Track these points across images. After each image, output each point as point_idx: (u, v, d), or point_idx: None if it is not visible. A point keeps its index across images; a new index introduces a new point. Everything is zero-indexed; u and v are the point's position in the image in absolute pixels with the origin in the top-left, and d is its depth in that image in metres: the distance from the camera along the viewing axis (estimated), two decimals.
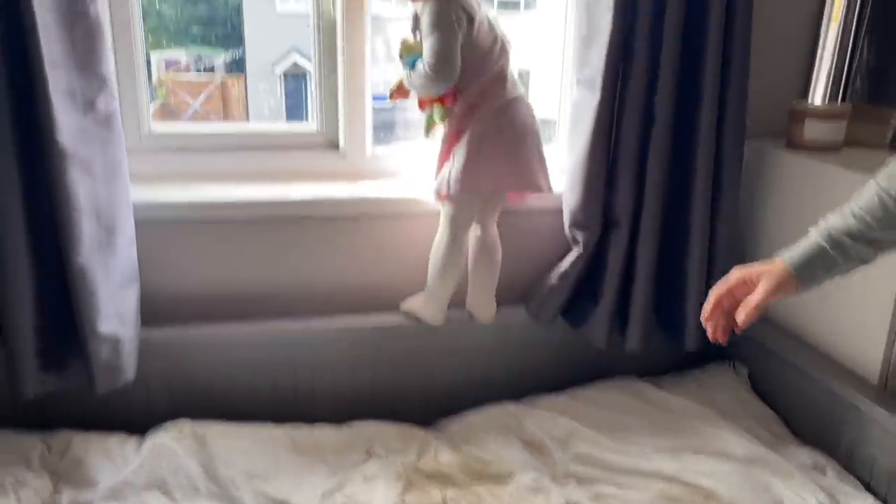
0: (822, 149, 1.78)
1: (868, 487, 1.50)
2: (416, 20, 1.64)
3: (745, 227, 1.93)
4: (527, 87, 1.78)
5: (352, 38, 1.79)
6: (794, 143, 1.82)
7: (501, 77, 1.67)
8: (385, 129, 2.20)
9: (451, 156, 1.66)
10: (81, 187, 1.43)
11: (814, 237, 1.17)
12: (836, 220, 1.15)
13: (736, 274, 1.21)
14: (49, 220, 1.44)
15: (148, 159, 1.77)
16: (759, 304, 1.15)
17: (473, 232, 1.77)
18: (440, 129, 1.70)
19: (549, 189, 1.71)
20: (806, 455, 1.60)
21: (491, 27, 1.63)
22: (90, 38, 1.42)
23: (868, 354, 1.58)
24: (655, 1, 1.65)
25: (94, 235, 1.46)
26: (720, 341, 1.24)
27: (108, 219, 1.50)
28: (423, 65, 1.57)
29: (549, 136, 2.02)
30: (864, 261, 1.15)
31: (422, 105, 1.70)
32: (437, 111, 1.65)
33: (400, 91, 1.71)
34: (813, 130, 1.78)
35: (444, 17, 1.55)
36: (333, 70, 1.84)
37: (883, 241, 1.13)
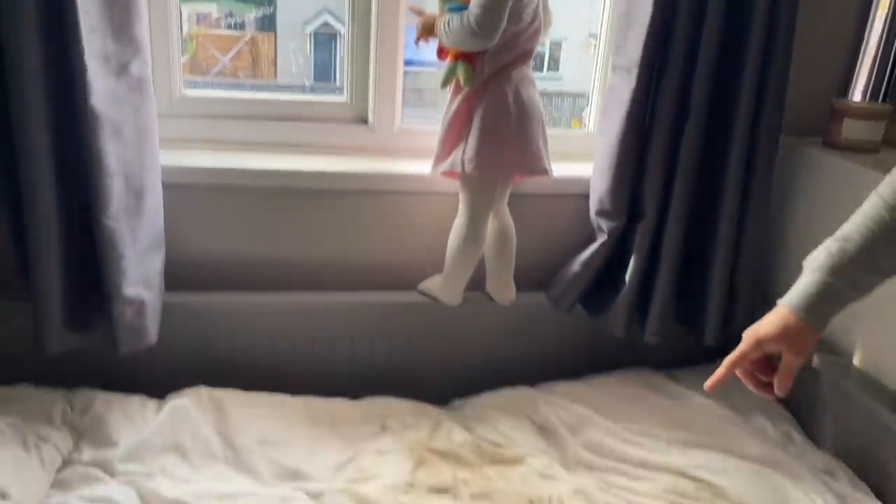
0: (860, 149, 1.74)
1: (880, 495, 1.50)
2: None
3: (775, 224, 1.90)
4: (559, 58, 1.75)
5: (386, 9, 1.77)
6: (831, 142, 1.78)
7: (525, 57, 1.64)
8: (413, 93, 2.14)
9: (462, 135, 1.63)
10: (112, 150, 1.44)
11: (820, 277, 1.08)
12: (840, 249, 1.08)
13: (751, 341, 1.12)
14: (78, 182, 1.45)
15: (177, 124, 1.77)
16: (791, 376, 1.09)
17: (490, 219, 1.76)
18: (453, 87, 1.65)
19: (552, 172, 1.70)
20: (819, 458, 1.60)
21: (536, 6, 1.60)
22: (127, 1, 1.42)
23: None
24: None
25: (122, 198, 1.47)
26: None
27: (137, 183, 1.51)
28: (466, 16, 1.50)
29: (580, 108, 2.00)
30: (879, 284, 1.09)
31: (441, 54, 1.64)
32: (462, 71, 1.58)
33: (426, 32, 1.63)
34: (851, 129, 1.74)
35: None
36: (366, 40, 1.82)
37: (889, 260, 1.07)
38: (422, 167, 1.79)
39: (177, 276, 1.71)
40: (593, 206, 1.82)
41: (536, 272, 1.88)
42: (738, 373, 1.15)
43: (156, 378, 1.66)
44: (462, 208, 1.71)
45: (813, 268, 1.10)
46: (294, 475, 1.47)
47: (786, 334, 1.09)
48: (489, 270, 1.82)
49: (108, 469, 1.38)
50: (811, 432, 1.71)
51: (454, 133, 1.65)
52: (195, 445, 1.48)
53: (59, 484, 1.35)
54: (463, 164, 1.62)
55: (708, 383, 1.15)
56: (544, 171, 1.69)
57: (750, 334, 1.14)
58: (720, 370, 1.14)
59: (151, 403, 1.58)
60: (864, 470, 1.55)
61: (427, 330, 1.81)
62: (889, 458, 1.49)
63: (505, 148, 1.62)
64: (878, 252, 1.06)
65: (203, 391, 1.63)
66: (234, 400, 1.63)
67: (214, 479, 1.43)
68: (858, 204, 1.13)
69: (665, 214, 1.77)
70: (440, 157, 1.68)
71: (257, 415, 1.59)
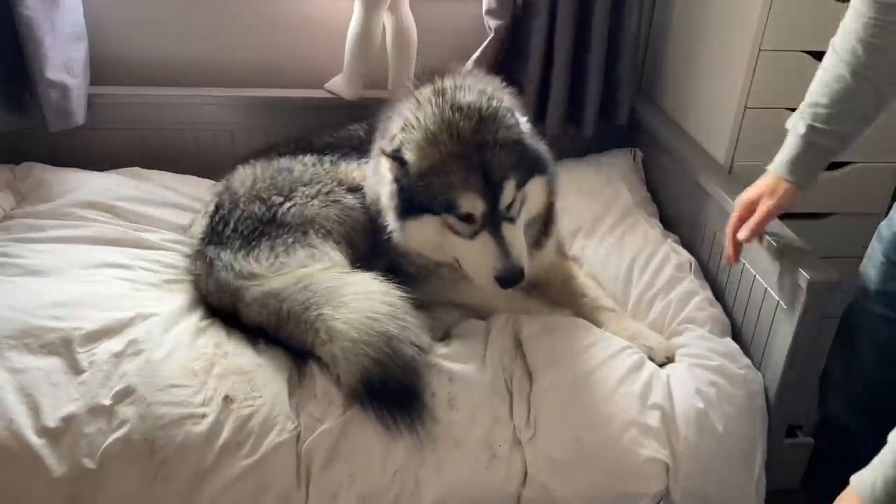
0: None
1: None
2: None
3: (658, 22, 2.02)
4: None
5: None
6: None
7: None
8: None
9: None
10: None
11: (798, 140, 1.26)
12: (812, 113, 1.24)
13: (740, 205, 1.35)
14: None
15: None
16: (757, 225, 1.31)
17: (390, 19, 1.91)
18: None
19: None
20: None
21: None
22: None
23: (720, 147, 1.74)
24: None
25: None
26: (734, 261, 1.39)
27: None
28: None
29: None
30: (859, 132, 1.25)
31: None
32: None
33: None
34: None
35: None
36: None
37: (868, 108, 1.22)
38: None
39: (113, 71, 1.95)
40: (483, 6, 1.95)
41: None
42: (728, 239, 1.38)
43: (93, 162, 1.92)
44: (356, 4, 1.87)
45: (792, 133, 1.28)
46: None
47: (771, 191, 1.30)
48: (391, 68, 1.99)
49: (41, 216, 1.66)
50: (669, 212, 1.91)
51: None
52: (122, 204, 1.74)
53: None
54: None
55: (726, 260, 1.39)
56: None
57: (739, 199, 1.36)
58: (727, 243, 1.37)
59: (83, 174, 1.84)
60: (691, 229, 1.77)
61: (331, 125, 2.00)
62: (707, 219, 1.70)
63: None
64: (847, 109, 1.22)
65: (135, 169, 1.90)
66: (163, 176, 1.89)
67: (140, 228, 1.70)
68: None
69: (555, 10, 1.90)
70: None
71: (180, 187, 1.86)
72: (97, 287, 1.45)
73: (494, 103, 1.37)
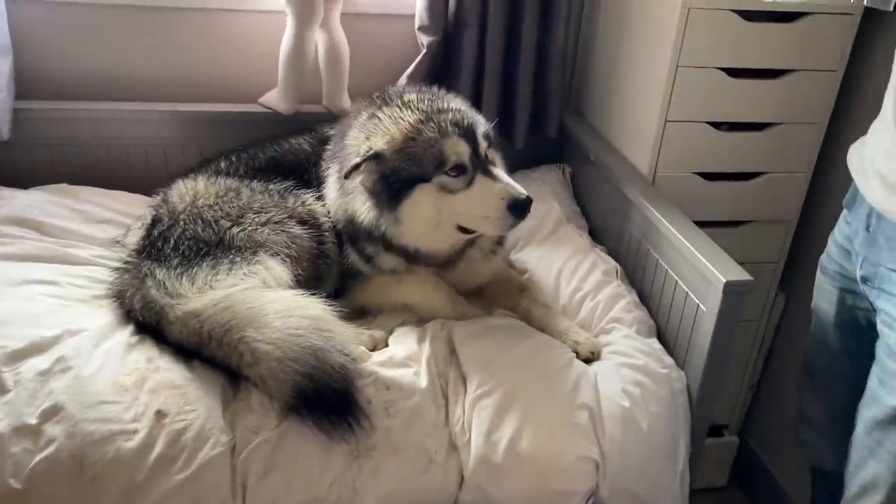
0: None
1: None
2: None
3: (585, 38, 2.10)
4: None
5: None
6: None
7: None
8: None
9: None
10: None
11: None
12: None
13: None
14: None
15: None
16: None
17: (322, 35, 1.93)
18: None
19: None
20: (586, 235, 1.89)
21: None
22: None
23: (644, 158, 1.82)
24: None
25: None
26: None
27: None
28: None
29: None
30: None
31: None
32: None
33: None
34: None
35: None
36: None
37: None
38: None
39: (36, 86, 1.90)
40: (416, 22, 1.99)
41: (371, 85, 2.07)
42: None
43: (23, 177, 1.87)
44: (288, 20, 1.89)
45: None
46: None
47: None
48: (324, 83, 2.01)
49: None
50: (597, 223, 1.98)
51: None
52: (50, 220, 1.70)
53: None
54: None
55: None
56: None
57: None
58: None
59: (8, 191, 1.79)
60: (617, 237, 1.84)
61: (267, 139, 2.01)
62: (632, 228, 1.76)
63: None
64: None
65: (62, 185, 1.86)
66: (91, 192, 1.86)
67: (69, 244, 1.66)
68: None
69: (485, 25, 1.96)
70: None
71: (112, 204, 1.83)
72: (22, 304, 1.41)
73: (440, 93, 1.55)
